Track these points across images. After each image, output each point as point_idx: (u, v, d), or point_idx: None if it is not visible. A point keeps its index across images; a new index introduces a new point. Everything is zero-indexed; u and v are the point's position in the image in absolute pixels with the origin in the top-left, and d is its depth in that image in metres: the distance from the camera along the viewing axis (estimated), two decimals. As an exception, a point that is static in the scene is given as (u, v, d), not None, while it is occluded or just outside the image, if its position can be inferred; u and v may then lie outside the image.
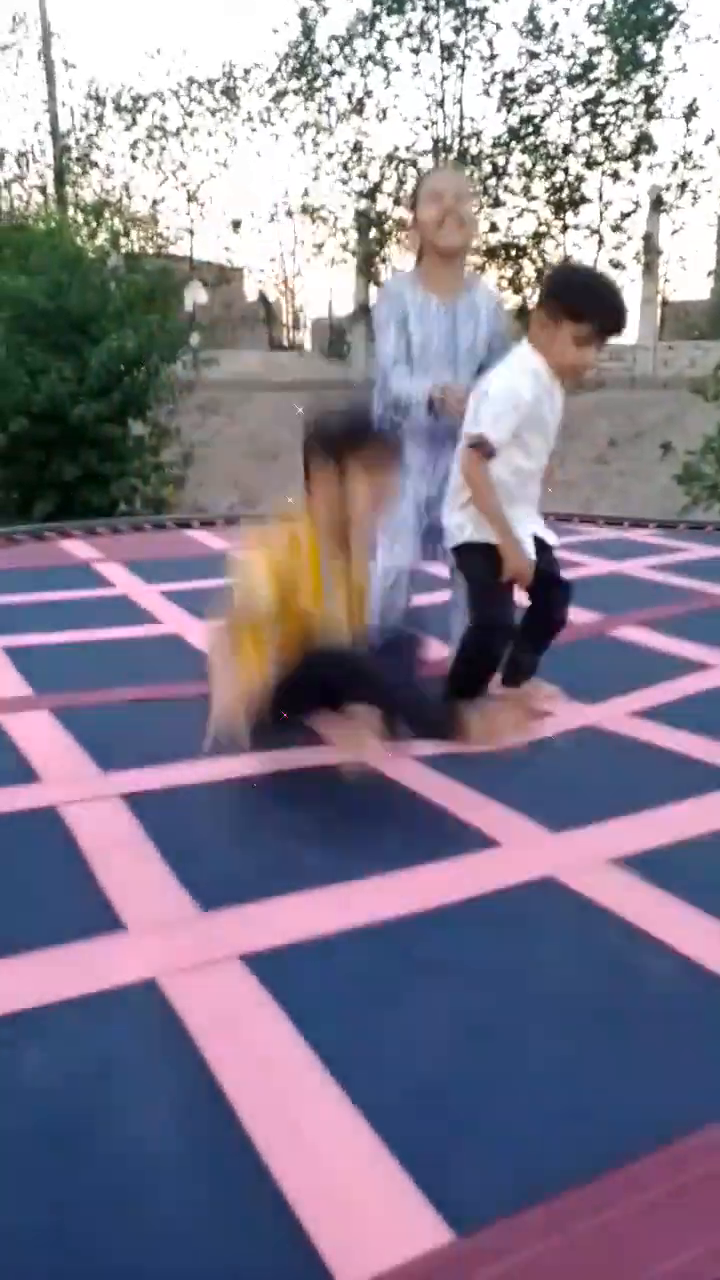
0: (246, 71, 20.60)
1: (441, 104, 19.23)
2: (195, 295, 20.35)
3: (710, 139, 18.46)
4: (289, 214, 21.10)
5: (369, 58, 19.03)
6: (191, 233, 23.08)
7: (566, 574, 2.74)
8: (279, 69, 19.70)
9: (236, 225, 22.43)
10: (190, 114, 21.36)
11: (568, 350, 2.39)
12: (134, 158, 21.50)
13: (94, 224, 15.78)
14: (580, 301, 2.38)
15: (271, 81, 20.00)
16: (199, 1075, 1.30)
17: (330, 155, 19.92)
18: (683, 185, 18.57)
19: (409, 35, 18.82)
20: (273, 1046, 1.36)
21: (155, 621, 3.67)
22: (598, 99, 18.42)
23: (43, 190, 20.78)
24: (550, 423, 2.52)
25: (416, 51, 19.00)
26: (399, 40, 18.75)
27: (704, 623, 3.53)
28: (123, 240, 16.06)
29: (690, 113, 18.20)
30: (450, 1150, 1.19)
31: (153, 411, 11.58)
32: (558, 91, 18.51)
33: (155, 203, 22.20)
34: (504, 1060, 1.35)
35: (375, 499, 2.22)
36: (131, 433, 11.28)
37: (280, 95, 19.94)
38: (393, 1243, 1.05)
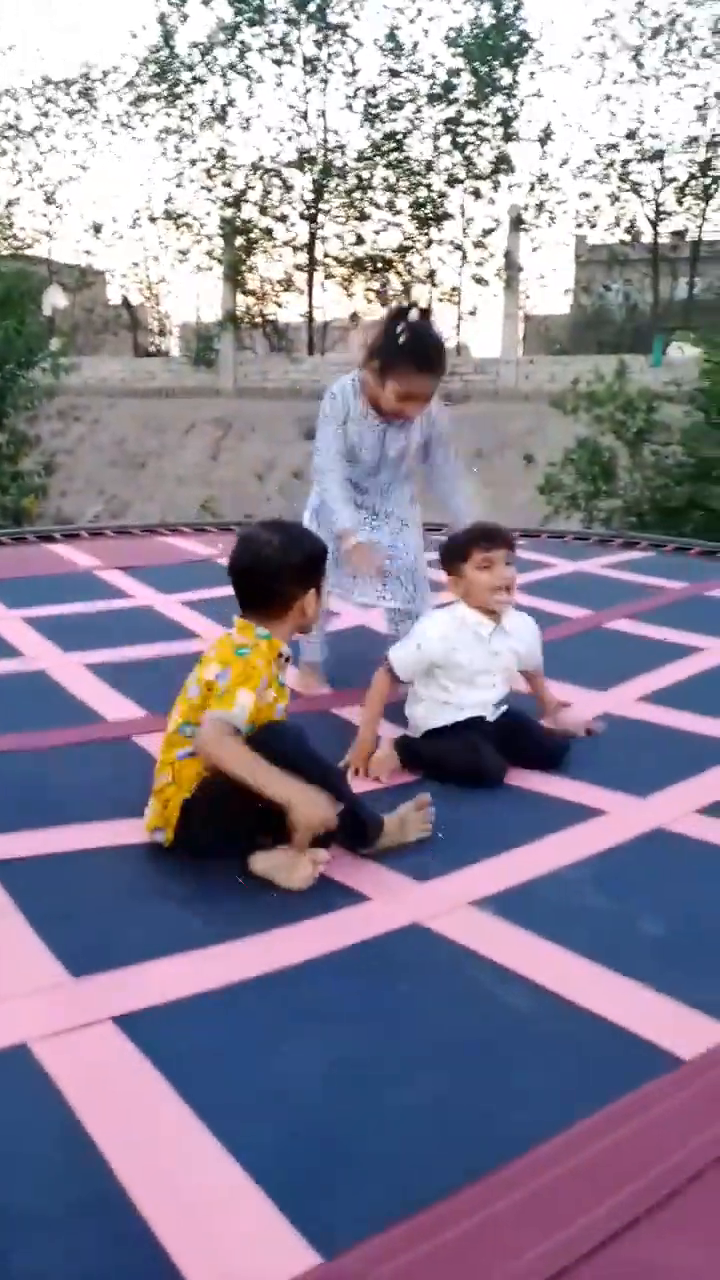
0: (105, 74, 20.21)
1: (305, 116, 19.37)
2: (54, 299, 19.80)
3: (564, 162, 19.26)
4: (152, 219, 20.79)
5: (231, 66, 19.00)
6: (50, 235, 22.47)
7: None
8: (138, 73, 19.42)
9: (98, 229, 21.96)
10: (46, 114, 20.79)
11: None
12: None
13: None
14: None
15: (131, 85, 19.69)
16: (70, 1132, 1.27)
17: (194, 162, 19.77)
18: (540, 205, 19.28)
19: (271, 46, 18.89)
20: (144, 1100, 1.34)
21: (16, 655, 3.38)
22: (458, 119, 18.95)
23: None
24: None
25: (279, 63, 19.09)
26: (261, 51, 18.79)
27: (568, 649, 3.62)
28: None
29: (545, 137, 18.93)
30: (319, 1181, 1.21)
31: (10, 419, 11.20)
32: (419, 110, 18.94)
33: (10, 203, 21.51)
34: (373, 1095, 1.37)
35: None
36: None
37: (140, 100, 19.65)
38: (262, 1273, 1.06)
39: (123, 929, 1.80)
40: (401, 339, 2.68)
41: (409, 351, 2.68)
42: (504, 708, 2.69)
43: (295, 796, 1.90)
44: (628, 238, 20.55)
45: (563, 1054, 1.48)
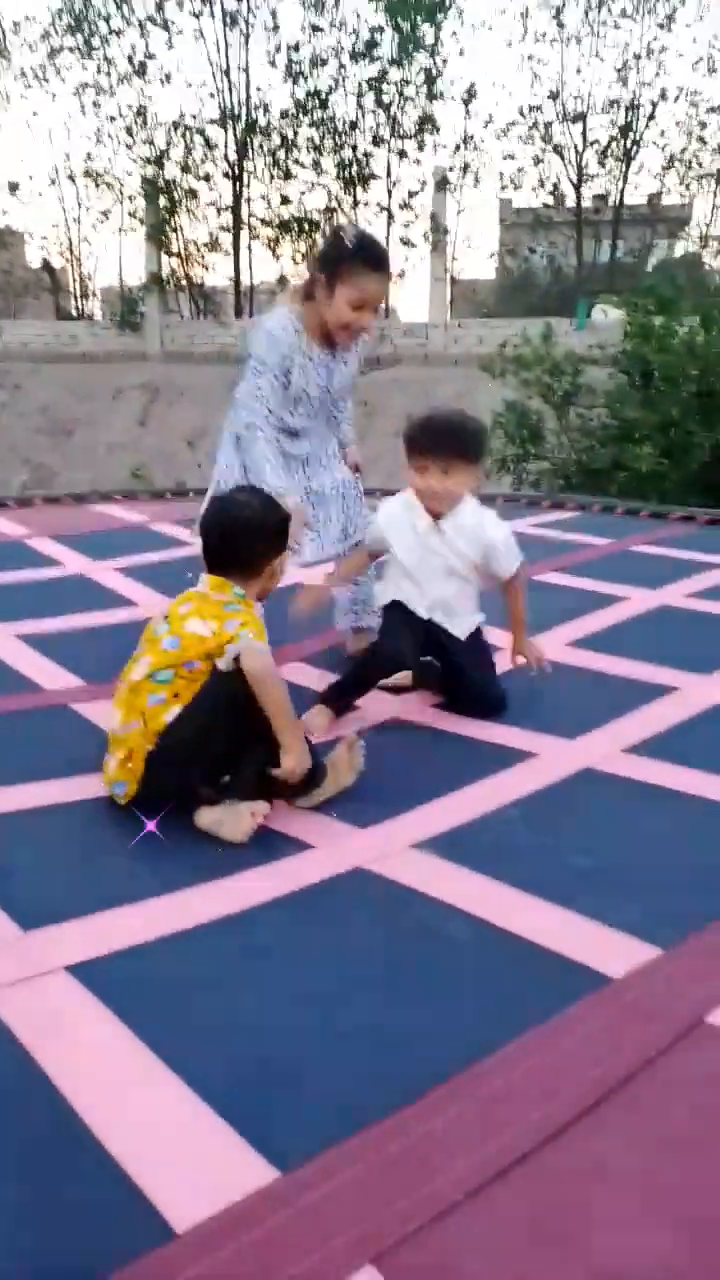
0: (16, 25, 19.46)
1: (227, 72, 18.95)
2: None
3: (489, 123, 19.24)
4: (71, 178, 20.20)
5: (149, 19, 18.45)
6: (-37, 192, 21.63)
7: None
8: (53, 24, 18.74)
9: (14, 187, 21.25)
10: (-45, 65, 19.95)
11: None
12: None
13: None
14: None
15: (45, 37, 19.00)
16: (26, 1071, 1.32)
17: (113, 119, 19.23)
18: (465, 167, 19.24)
19: (189, -2, 18.39)
20: (99, 1040, 1.39)
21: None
22: (381, 77, 18.73)
23: None
24: None
25: (198, 16, 18.60)
26: (180, 2, 18.27)
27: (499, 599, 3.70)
28: None
29: (469, 97, 18.85)
30: (272, 1103, 1.28)
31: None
32: (342, 67, 18.68)
33: None
34: (320, 1022, 1.45)
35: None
36: None
37: (55, 52, 18.99)
38: (222, 1189, 1.13)
39: (71, 883, 1.84)
40: (350, 242, 2.65)
41: (359, 250, 2.64)
42: (458, 619, 2.69)
43: (298, 746, 2.06)
44: (551, 200, 20.64)
45: (500, 977, 1.58)
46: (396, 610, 2.68)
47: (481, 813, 2.13)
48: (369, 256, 2.65)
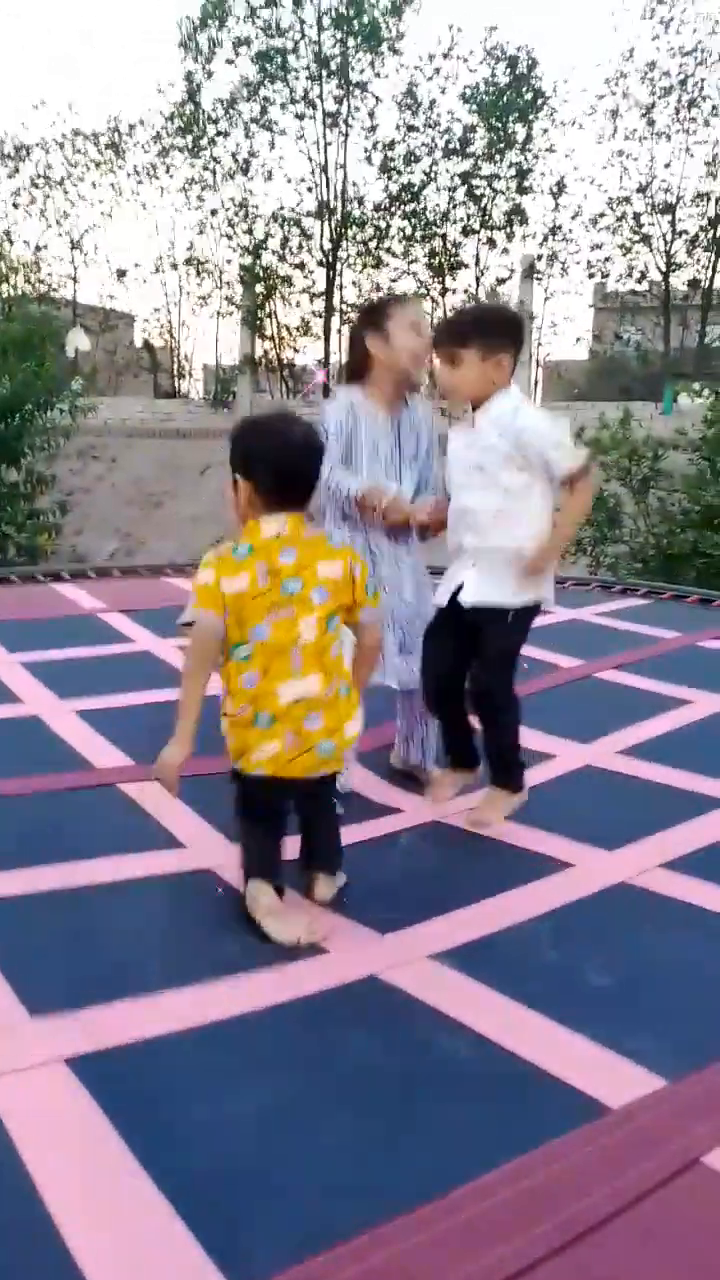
0: (131, 127, 20.88)
1: (325, 168, 19.88)
2: (78, 341, 20.25)
3: (577, 214, 19.66)
4: (174, 266, 21.33)
5: (254, 120, 19.57)
6: (75, 279, 23.05)
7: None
8: (165, 127, 20.05)
9: (121, 274, 22.53)
10: (74, 165, 21.45)
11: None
12: (15, 205, 21.40)
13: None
14: None
15: (157, 138, 20.32)
16: (6, 1161, 1.34)
17: (215, 212, 20.30)
18: (553, 256, 19.65)
19: (293, 101, 19.45)
20: (85, 1138, 1.39)
21: (15, 700, 3.42)
22: (473, 172, 19.40)
23: None
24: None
25: (300, 117, 19.65)
26: (283, 106, 19.35)
27: (555, 699, 3.68)
28: (3, 286, 15.90)
29: (558, 190, 19.35)
30: (241, 1216, 1.27)
31: (28, 458, 11.43)
32: (435, 163, 19.41)
33: (38, 249, 22.10)
34: (302, 1136, 1.43)
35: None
36: (4, 479, 11.12)
37: (165, 152, 20.26)
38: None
39: (81, 969, 1.87)
40: (375, 298, 2.83)
41: (392, 296, 2.92)
42: (489, 560, 2.39)
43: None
44: (640, 287, 20.87)
45: (495, 1099, 1.54)
46: (429, 639, 2.58)
47: (508, 924, 2.08)
48: (404, 296, 2.89)
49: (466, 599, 2.42)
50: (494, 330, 2.38)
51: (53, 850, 2.33)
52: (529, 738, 2.97)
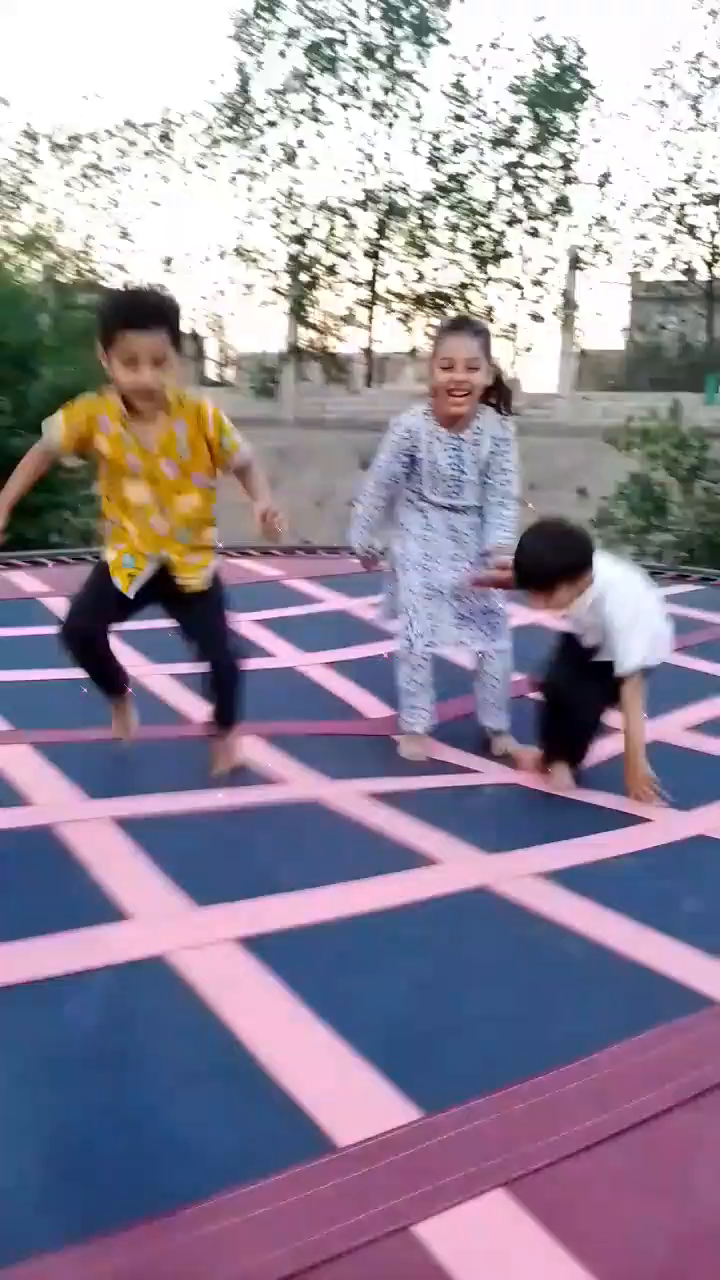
0: (183, 118, 21.14)
1: (371, 158, 20.02)
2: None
3: (622, 205, 19.65)
4: (222, 255, 21.58)
5: (302, 111, 19.75)
6: (123, 268, 23.37)
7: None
8: (215, 118, 20.27)
9: (168, 262, 22.83)
10: (125, 154, 21.76)
11: None
12: (68, 194, 21.75)
13: (25, 258, 15.94)
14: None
15: (208, 129, 20.55)
16: (206, 1016, 1.58)
17: (263, 201, 20.52)
18: (597, 246, 19.67)
19: (341, 92, 19.61)
20: (266, 997, 1.64)
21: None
22: (519, 162, 19.45)
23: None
24: None
25: (347, 108, 19.80)
26: (331, 96, 19.52)
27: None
28: (57, 275, 16.23)
29: (604, 180, 19.35)
30: (414, 1061, 1.50)
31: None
32: (481, 153, 19.49)
33: (87, 238, 22.45)
34: (452, 1004, 1.67)
35: (132, 386, 2.32)
36: (65, 465, 11.44)
37: (215, 143, 20.49)
38: (375, 1120, 1.35)
39: (225, 868, 2.13)
40: (438, 326, 3.11)
41: (442, 327, 3.09)
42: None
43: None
44: (684, 278, 20.82)
45: (614, 989, 1.76)
46: (559, 660, 2.91)
47: (602, 858, 2.31)
48: (447, 325, 3.06)
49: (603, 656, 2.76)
50: (573, 565, 2.67)
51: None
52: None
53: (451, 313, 20.36)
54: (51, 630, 4.07)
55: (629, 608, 2.69)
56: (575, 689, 2.82)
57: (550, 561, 2.66)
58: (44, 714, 3.11)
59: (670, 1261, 1.16)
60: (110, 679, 2.76)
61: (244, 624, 4.23)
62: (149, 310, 2.31)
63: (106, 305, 2.44)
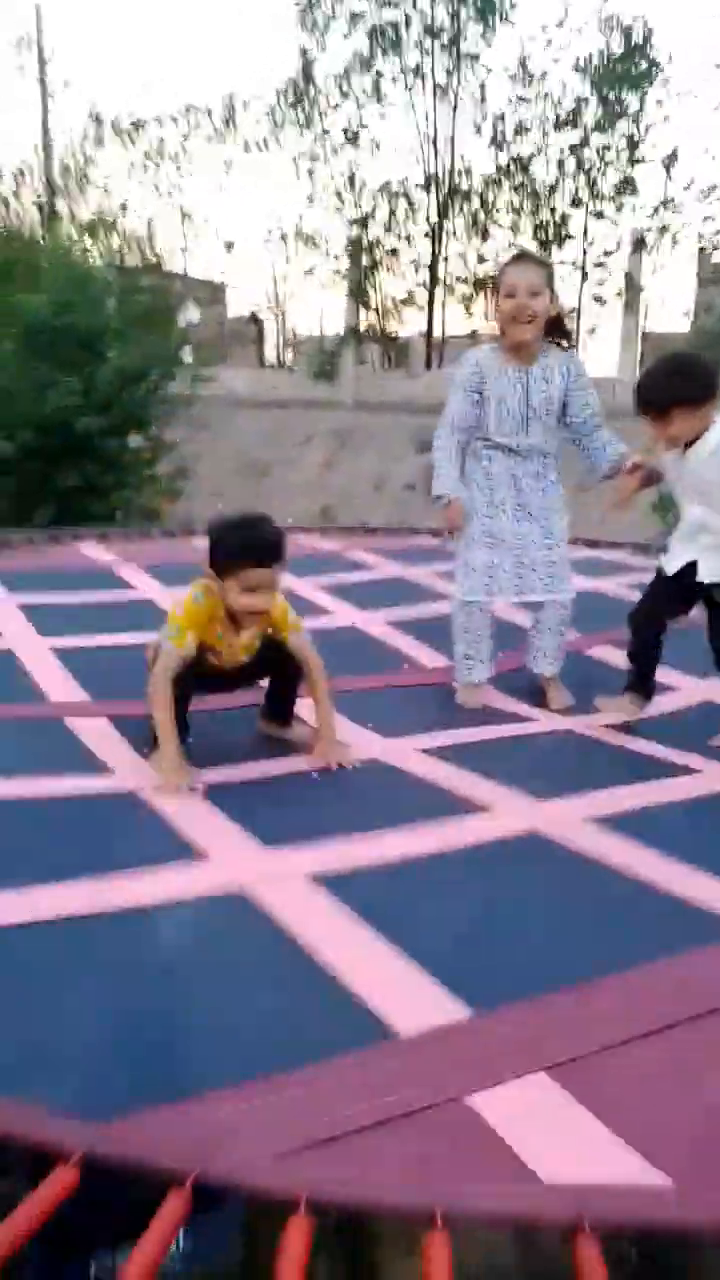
0: (245, 103, 21.28)
1: (434, 140, 19.97)
2: (188, 313, 20.86)
3: (689, 186, 19.33)
4: (283, 238, 21.74)
5: (364, 93, 19.76)
6: (185, 250, 23.66)
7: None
8: (278, 102, 20.38)
9: (229, 246, 23.05)
10: (187, 138, 22.00)
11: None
12: (130, 178, 22.07)
13: (91, 241, 16.26)
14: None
15: (270, 113, 20.67)
16: (281, 935, 1.78)
17: (325, 184, 20.60)
18: (663, 229, 19.39)
19: (404, 74, 19.57)
20: (333, 920, 1.83)
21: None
22: (583, 143, 19.24)
23: (40, 207, 21.27)
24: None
25: (410, 89, 19.76)
26: (394, 79, 19.49)
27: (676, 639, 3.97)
28: (120, 259, 16.53)
29: (671, 161, 19.06)
30: (468, 970, 1.68)
31: (152, 426, 12.04)
32: (545, 134, 19.31)
33: (150, 221, 22.74)
34: (500, 925, 1.86)
35: (249, 610, 2.57)
36: (130, 446, 11.74)
37: (278, 126, 20.61)
38: (434, 1015, 1.54)
39: (292, 818, 2.32)
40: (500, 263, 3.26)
41: (503, 263, 3.24)
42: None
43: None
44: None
45: (656, 920, 1.92)
46: (649, 595, 3.07)
47: (648, 804, 2.46)
48: (511, 258, 3.20)
49: (706, 577, 2.88)
50: (694, 393, 2.73)
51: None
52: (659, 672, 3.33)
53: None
54: (117, 596, 4.38)
55: None
56: (651, 617, 3.02)
57: (671, 384, 2.74)
58: (113, 679, 3.28)
59: (684, 1129, 1.32)
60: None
61: (305, 588, 4.47)
62: (273, 549, 2.59)
63: (232, 536, 2.59)
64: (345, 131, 20.09)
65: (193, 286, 23.79)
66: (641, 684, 3.09)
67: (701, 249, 20.30)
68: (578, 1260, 1.05)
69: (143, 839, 2.20)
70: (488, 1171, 1.23)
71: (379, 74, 19.43)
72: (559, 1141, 1.28)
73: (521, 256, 3.24)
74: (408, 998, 1.60)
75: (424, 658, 3.73)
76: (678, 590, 2.95)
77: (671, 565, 2.94)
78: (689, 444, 2.79)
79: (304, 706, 2.91)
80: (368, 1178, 1.19)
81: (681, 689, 3.43)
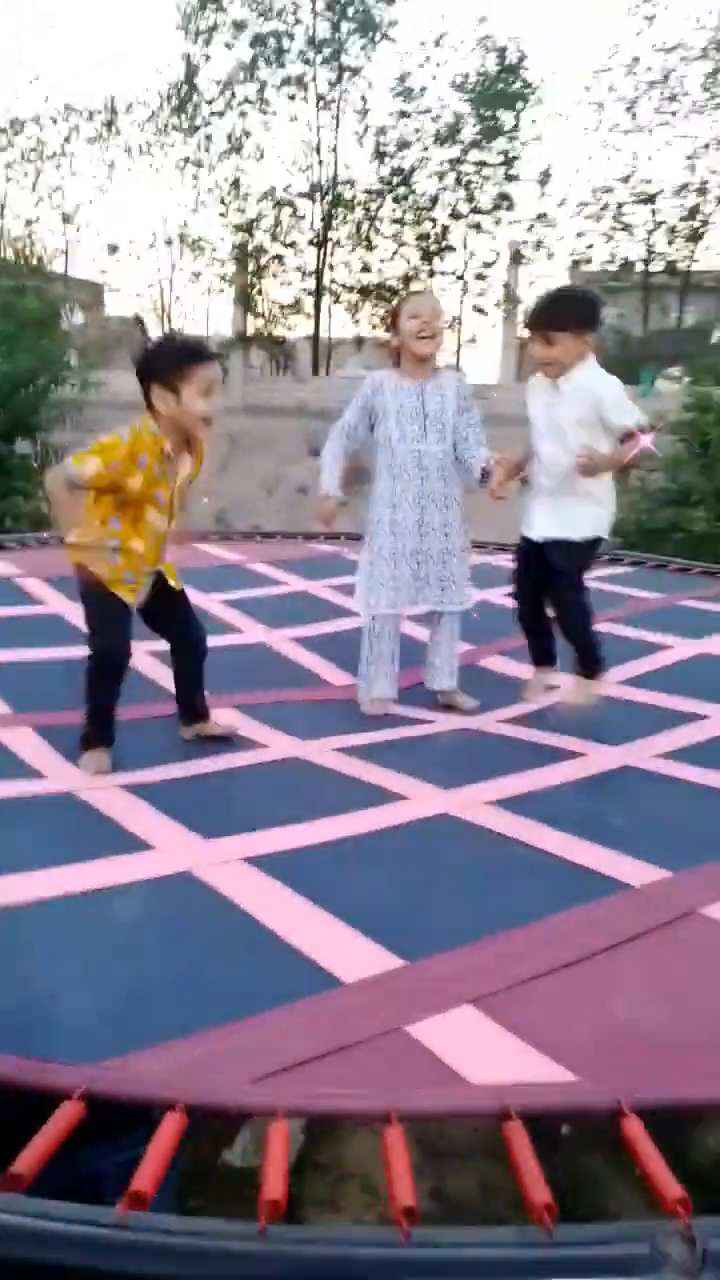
0: (129, 106, 21.14)
1: (318, 150, 20.29)
2: (73, 316, 20.56)
3: (562, 202, 20.24)
4: (168, 242, 21.68)
5: (247, 101, 19.94)
6: (66, 253, 23.31)
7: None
8: (161, 106, 20.34)
9: (113, 249, 22.83)
10: (68, 140, 21.69)
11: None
12: (9, 178, 21.61)
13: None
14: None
15: (152, 118, 20.61)
16: (231, 908, 1.99)
17: (210, 190, 20.67)
18: (538, 243, 20.24)
19: (287, 83, 19.83)
20: (273, 894, 2.05)
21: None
22: (462, 158, 19.91)
23: None
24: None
25: (293, 98, 20.03)
26: (277, 87, 19.73)
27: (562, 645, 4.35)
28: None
29: (545, 178, 19.91)
30: (396, 928, 1.92)
31: (41, 432, 11.91)
32: (425, 149, 19.89)
33: (29, 222, 22.33)
34: (421, 890, 2.11)
35: (208, 413, 2.68)
36: (17, 452, 11.58)
37: (162, 131, 20.56)
38: (371, 966, 1.78)
39: (227, 812, 2.52)
40: (400, 302, 3.58)
41: (405, 295, 3.66)
42: (569, 503, 3.12)
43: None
44: (619, 271, 21.49)
45: (552, 880, 2.20)
46: (518, 553, 3.34)
47: (541, 787, 2.76)
48: (414, 291, 3.68)
49: (536, 534, 3.15)
50: (577, 311, 2.99)
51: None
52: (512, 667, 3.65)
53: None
54: (24, 611, 4.44)
55: (619, 387, 2.99)
56: (524, 584, 3.29)
57: (555, 308, 3.02)
58: (33, 693, 3.38)
59: (591, 1046, 1.60)
60: (112, 712, 2.85)
61: (214, 605, 4.64)
62: (209, 348, 2.77)
63: (170, 347, 2.79)
64: (229, 138, 20.22)
65: (75, 288, 23.44)
66: (543, 654, 3.37)
67: (575, 261, 21.28)
68: (506, 1139, 1.30)
69: (90, 834, 2.36)
70: (427, 1081, 1.48)
71: (263, 83, 19.63)
72: (485, 1055, 1.54)
73: (424, 292, 3.66)
74: (347, 953, 1.83)
75: (330, 675, 3.91)
76: (537, 556, 3.21)
77: (527, 527, 3.22)
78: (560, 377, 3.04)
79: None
80: (332, 1092, 1.42)
81: (566, 682, 3.76)
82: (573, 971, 1.81)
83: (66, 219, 22.75)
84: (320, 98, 19.94)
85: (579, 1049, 1.57)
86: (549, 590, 3.26)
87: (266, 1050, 1.52)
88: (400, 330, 3.42)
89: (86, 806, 2.53)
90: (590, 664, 3.27)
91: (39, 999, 1.66)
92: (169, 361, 2.69)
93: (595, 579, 5.81)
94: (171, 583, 2.94)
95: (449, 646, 3.60)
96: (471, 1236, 1.19)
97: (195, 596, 3.25)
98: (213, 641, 3.36)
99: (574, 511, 3.13)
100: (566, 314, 3.01)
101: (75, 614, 4.34)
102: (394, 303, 3.66)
